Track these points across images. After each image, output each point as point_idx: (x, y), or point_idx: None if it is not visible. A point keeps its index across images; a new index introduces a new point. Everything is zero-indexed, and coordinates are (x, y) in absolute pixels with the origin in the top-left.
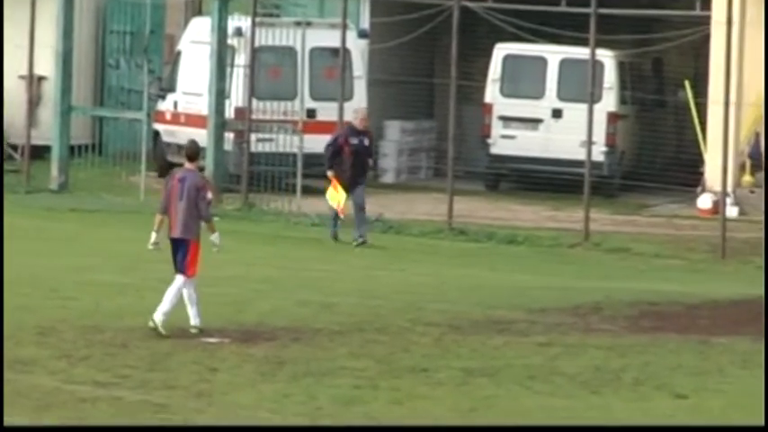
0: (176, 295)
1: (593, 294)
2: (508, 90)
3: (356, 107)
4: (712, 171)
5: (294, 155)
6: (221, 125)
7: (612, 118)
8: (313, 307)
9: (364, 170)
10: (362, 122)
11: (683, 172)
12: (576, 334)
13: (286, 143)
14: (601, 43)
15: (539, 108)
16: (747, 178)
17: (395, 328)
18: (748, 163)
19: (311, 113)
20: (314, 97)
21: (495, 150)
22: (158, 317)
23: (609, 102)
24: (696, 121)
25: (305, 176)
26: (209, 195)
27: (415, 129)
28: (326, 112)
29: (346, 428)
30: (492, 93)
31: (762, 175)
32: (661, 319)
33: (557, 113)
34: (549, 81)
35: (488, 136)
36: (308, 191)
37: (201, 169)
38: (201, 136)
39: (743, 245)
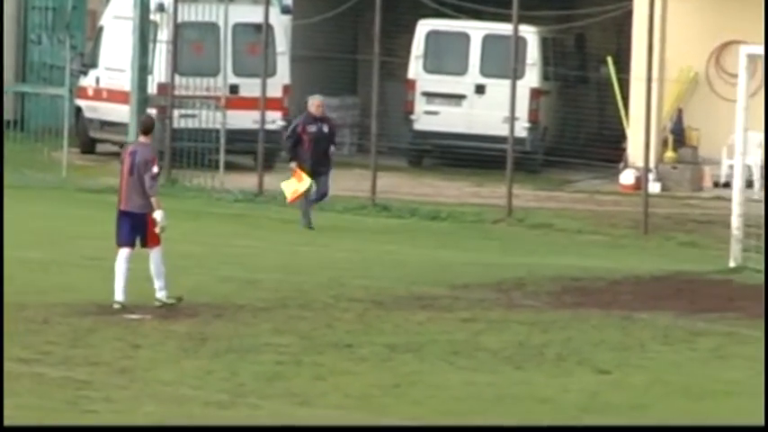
0: (159, 267)
1: (517, 270)
2: (431, 66)
3: (311, 95)
4: (635, 147)
5: (217, 131)
6: (144, 101)
7: (535, 94)
8: (236, 283)
9: (327, 158)
10: (318, 109)
11: (605, 148)
12: (500, 309)
13: (209, 119)
14: (524, 19)
15: (462, 84)
16: (670, 154)
17: (318, 304)
18: (671, 139)
19: (234, 89)
20: (237, 73)
21: (418, 126)
22: (160, 294)
23: (532, 78)
24: (619, 97)
25: (228, 152)
26: (155, 169)
27: (339, 105)
28: (249, 88)
29: (348, 428)
30: (415, 69)
31: (684, 150)
32: (583, 294)
33: (480, 89)
34: (472, 57)
35: (412, 112)
36: (230, 167)
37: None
38: (124, 112)
39: (665, 221)
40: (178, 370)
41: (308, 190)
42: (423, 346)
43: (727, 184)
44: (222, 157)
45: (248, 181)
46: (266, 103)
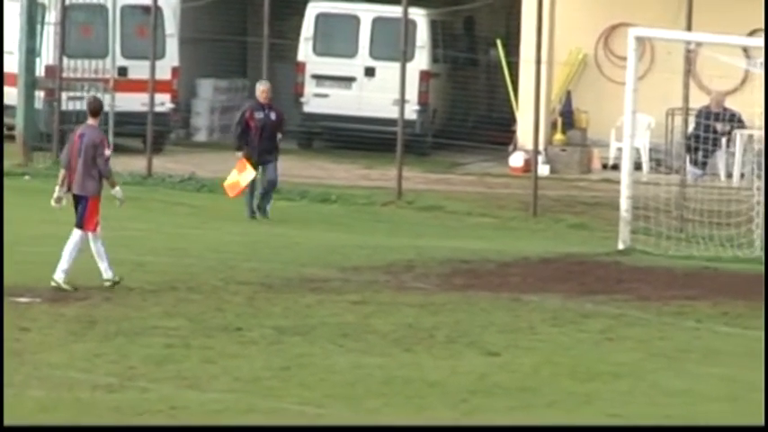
0: (73, 250)
1: (406, 252)
2: (321, 48)
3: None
4: (524, 129)
5: (105, 113)
6: (32, 83)
7: (425, 76)
8: (125, 266)
9: (274, 146)
10: (263, 95)
11: (494, 130)
12: (389, 292)
13: None
14: (413, 2)
15: (351, 66)
16: (559, 136)
17: (208, 287)
18: (560, 121)
19: (123, 72)
20: (125, 55)
21: (308, 109)
22: (58, 275)
23: (421, 60)
24: (508, 79)
25: (116, 135)
26: (108, 152)
27: (228, 87)
28: (138, 70)
29: (344, 428)
30: (305, 51)
31: (573, 133)
32: (473, 276)
33: (369, 72)
34: (362, 39)
35: (301, 94)
36: (119, 149)
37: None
38: (12, 94)
39: (554, 203)
40: (67, 353)
41: (254, 181)
42: (312, 328)
43: (616, 167)
44: (111, 140)
45: (137, 164)
46: (155, 86)
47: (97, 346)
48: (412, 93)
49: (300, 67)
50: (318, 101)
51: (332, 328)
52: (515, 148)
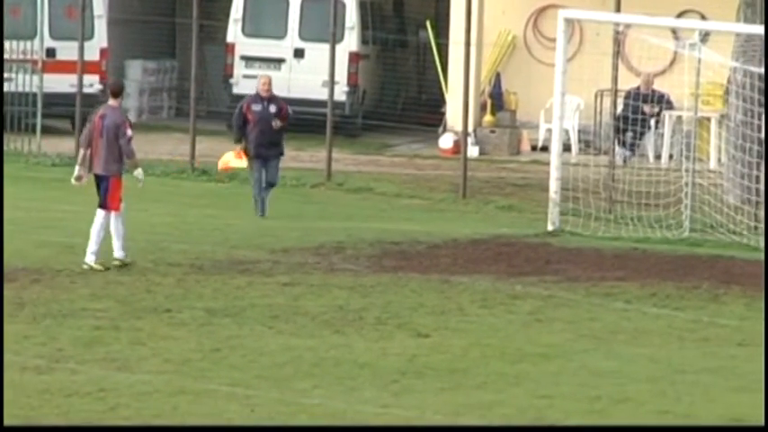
0: (100, 231)
1: (336, 234)
2: (250, 30)
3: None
4: (453, 111)
5: (34, 94)
6: None
7: (354, 58)
8: (54, 248)
9: (274, 140)
10: (264, 88)
11: (424, 112)
12: (319, 274)
13: (25, 83)
14: None
15: (281, 48)
16: (488, 118)
17: (137, 268)
18: (489, 103)
19: (51, 53)
20: (54, 36)
21: (237, 90)
22: (89, 258)
23: (351, 42)
24: (437, 61)
25: (44, 116)
26: (129, 132)
27: (157, 68)
28: (66, 51)
29: (346, 429)
30: (234, 32)
31: (503, 114)
32: (403, 258)
33: (299, 53)
34: (291, 21)
35: (231, 76)
36: (47, 131)
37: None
38: None
39: (483, 184)
40: None
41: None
42: (242, 310)
43: (545, 148)
44: (39, 121)
45: (66, 145)
46: (84, 67)
47: (26, 327)
48: (341, 74)
49: (230, 48)
50: (248, 82)
51: (262, 310)
52: (445, 130)
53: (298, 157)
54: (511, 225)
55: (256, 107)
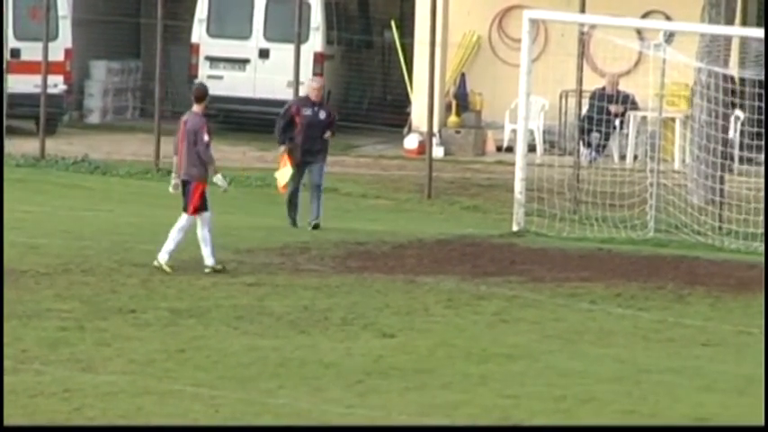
0: (177, 233)
1: (301, 235)
2: (215, 30)
3: (310, 77)
4: (418, 111)
5: None
6: None
7: (319, 58)
8: (18, 248)
9: (321, 146)
10: (314, 92)
11: (389, 112)
12: (284, 274)
13: None
14: None
15: (246, 48)
16: (453, 119)
17: (102, 269)
18: (454, 103)
19: (15, 53)
20: (18, 37)
21: None
22: (162, 256)
23: (315, 42)
24: (402, 61)
25: (9, 117)
26: (206, 137)
27: (121, 68)
28: (31, 51)
29: (345, 428)
30: (199, 33)
31: (468, 115)
32: (368, 258)
33: (264, 54)
34: (256, 21)
35: (195, 76)
36: (12, 132)
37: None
38: None
39: (448, 185)
40: None
41: (297, 191)
42: (207, 310)
43: (510, 149)
44: (3, 122)
45: (30, 146)
46: (48, 68)
47: None
48: (306, 74)
49: (194, 48)
50: (212, 83)
51: (227, 311)
52: (410, 131)
53: (263, 157)
54: (476, 225)
55: (306, 111)
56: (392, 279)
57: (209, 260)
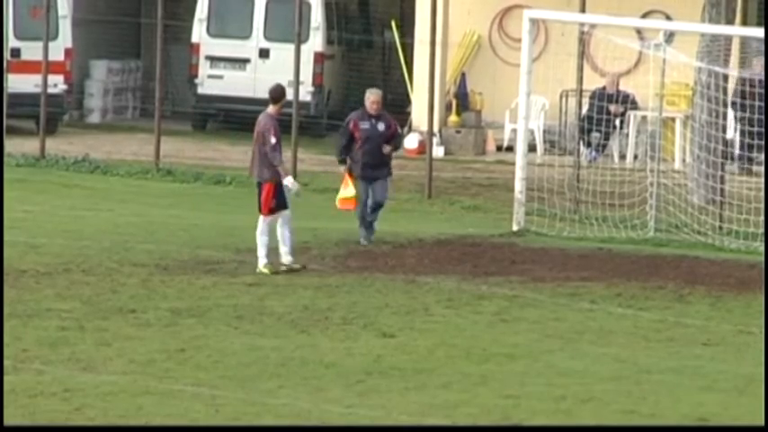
0: (260, 236)
1: (302, 234)
2: (215, 30)
3: (368, 89)
4: (419, 111)
5: None
6: None
7: (319, 58)
8: (19, 248)
9: (382, 161)
10: (373, 105)
11: (389, 112)
12: (285, 274)
13: None
14: None
15: (246, 48)
16: (454, 118)
17: (102, 268)
18: (454, 103)
19: (16, 53)
20: (18, 37)
21: (202, 90)
22: (261, 262)
23: (316, 42)
24: (402, 61)
25: (9, 117)
26: (273, 139)
27: (122, 68)
28: (31, 51)
29: (341, 428)
30: (199, 32)
31: (468, 114)
32: (369, 258)
33: (264, 53)
34: (256, 21)
35: (196, 76)
36: (12, 131)
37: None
38: None
39: (449, 184)
40: None
41: (365, 206)
42: (207, 310)
43: (510, 148)
44: (4, 122)
45: (31, 145)
46: (48, 67)
47: None
48: (306, 74)
49: (195, 48)
50: (213, 82)
51: (227, 310)
52: (410, 130)
53: None
54: (476, 225)
55: (364, 125)
56: (392, 279)
57: (285, 258)
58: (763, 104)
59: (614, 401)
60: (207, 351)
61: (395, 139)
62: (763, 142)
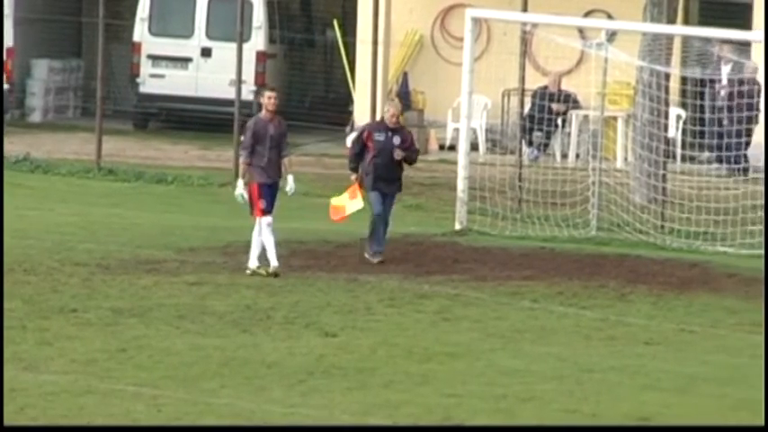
0: (258, 237)
1: (244, 234)
2: (157, 29)
3: (387, 102)
4: (361, 110)
5: None
6: None
7: (261, 57)
8: None
9: (395, 176)
10: (392, 118)
11: (332, 111)
12: (227, 273)
13: None
14: None
15: (188, 47)
16: None
17: (44, 268)
18: None
19: None
20: None
21: (144, 89)
22: (273, 263)
23: (258, 41)
24: (345, 60)
25: None
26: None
27: (63, 67)
28: None
29: (341, 428)
30: (141, 31)
31: (410, 113)
32: (311, 257)
33: (206, 52)
34: (198, 20)
35: (137, 75)
36: None
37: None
38: None
39: None
40: None
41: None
42: (149, 310)
43: (453, 147)
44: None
45: None
46: None
47: None
48: (248, 73)
49: (136, 47)
50: (154, 81)
51: (169, 310)
52: (352, 129)
53: (204, 156)
54: (418, 224)
55: (379, 137)
56: (334, 278)
57: (252, 263)
58: (706, 103)
59: (555, 400)
60: (148, 351)
61: (411, 152)
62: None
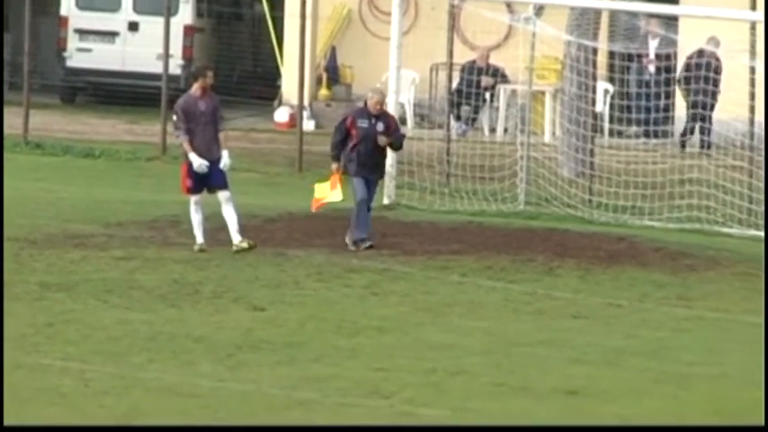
0: (196, 215)
1: (171, 208)
2: (84, 3)
3: (371, 89)
4: (289, 84)
5: None
6: None
7: (189, 31)
8: None
9: (378, 162)
10: (376, 105)
11: (260, 85)
12: (154, 248)
13: None
14: None
15: (115, 21)
16: (324, 92)
17: None
18: (325, 76)
19: None
20: None
21: (71, 63)
22: (236, 238)
23: (185, 15)
24: (273, 34)
25: None
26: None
27: None
28: None
29: (340, 428)
30: (67, 5)
31: (338, 88)
32: (239, 231)
33: (133, 26)
34: None
35: (64, 49)
36: None
37: None
38: None
39: (319, 158)
40: None
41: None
42: (76, 284)
43: None
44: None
45: None
46: None
47: None
48: (176, 48)
49: (63, 21)
50: (81, 55)
51: (96, 284)
52: (280, 104)
53: (132, 130)
54: (346, 199)
55: (362, 123)
56: (262, 252)
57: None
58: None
59: (484, 374)
60: (76, 325)
61: (396, 138)
62: (637, 116)
